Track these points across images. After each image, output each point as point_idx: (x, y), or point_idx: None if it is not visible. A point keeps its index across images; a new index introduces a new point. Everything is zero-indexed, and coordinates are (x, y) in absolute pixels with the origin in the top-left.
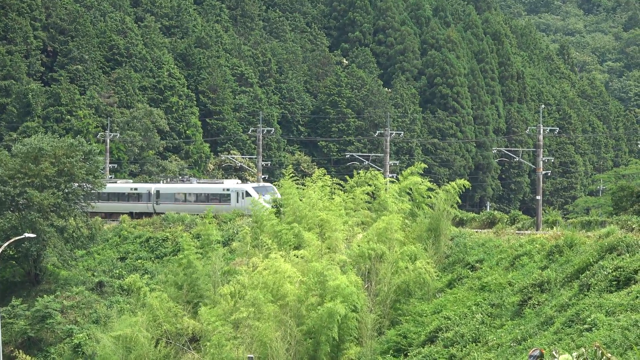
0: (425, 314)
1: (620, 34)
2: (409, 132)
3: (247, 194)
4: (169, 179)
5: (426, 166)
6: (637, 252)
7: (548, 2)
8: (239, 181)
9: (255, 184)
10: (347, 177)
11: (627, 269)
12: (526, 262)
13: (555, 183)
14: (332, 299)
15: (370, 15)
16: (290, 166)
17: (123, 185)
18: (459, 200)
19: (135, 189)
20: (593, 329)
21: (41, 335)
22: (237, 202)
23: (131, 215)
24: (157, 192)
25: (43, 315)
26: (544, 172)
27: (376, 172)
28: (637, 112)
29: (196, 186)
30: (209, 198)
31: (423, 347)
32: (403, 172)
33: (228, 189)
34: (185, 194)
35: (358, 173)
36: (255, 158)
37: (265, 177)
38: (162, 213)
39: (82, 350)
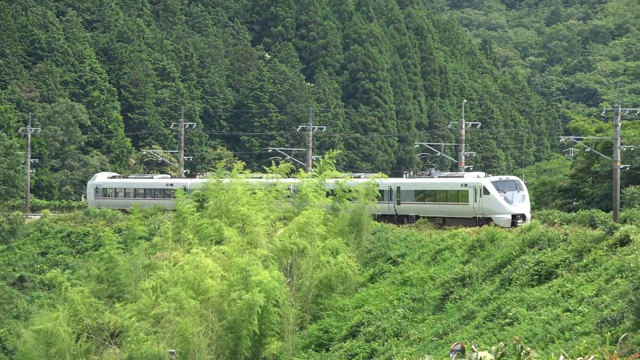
0: (347, 309)
1: (542, 29)
2: (331, 127)
3: (485, 191)
4: (411, 172)
5: (341, 152)
6: (559, 247)
7: None
8: (481, 174)
9: (495, 178)
10: (265, 167)
11: (549, 263)
12: (448, 257)
13: None
14: (249, 290)
15: (292, 10)
16: (223, 161)
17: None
18: (380, 195)
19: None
20: (514, 323)
21: None
22: (475, 201)
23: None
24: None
25: None
26: (466, 167)
27: (290, 164)
28: (558, 107)
29: (434, 181)
30: (447, 196)
31: (345, 342)
32: (318, 162)
33: (466, 185)
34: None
35: (271, 169)
36: (177, 153)
37: (187, 172)
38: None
39: (3, 345)
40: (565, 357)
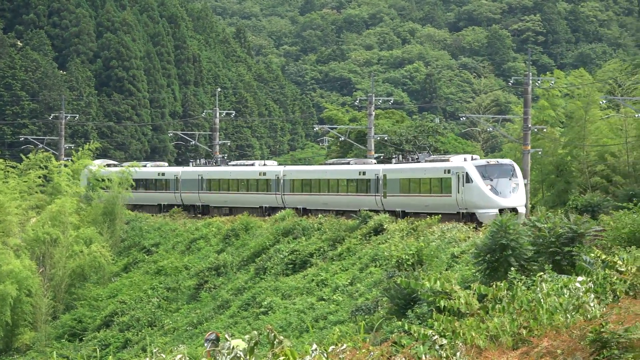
0: (100, 298)
1: (296, 18)
2: (84, 115)
3: (467, 179)
4: (400, 157)
5: (100, 145)
6: (313, 236)
7: None
8: (468, 156)
9: (481, 162)
10: (22, 156)
11: (303, 252)
12: (202, 246)
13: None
14: (1, 281)
15: None
16: None
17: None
18: (134, 184)
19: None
20: (269, 312)
21: None
22: (458, 191)
23: None
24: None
25: None
26: (220, 156)
27: (49, 154)
28: (313, 96)
29: (419, 167)
30: (430, 186)
31: (99, 332)
32: (76, 153)
33: (449, 171)
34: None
35: (28, 157)
36: None
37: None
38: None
39: None
40: (318, 346)
